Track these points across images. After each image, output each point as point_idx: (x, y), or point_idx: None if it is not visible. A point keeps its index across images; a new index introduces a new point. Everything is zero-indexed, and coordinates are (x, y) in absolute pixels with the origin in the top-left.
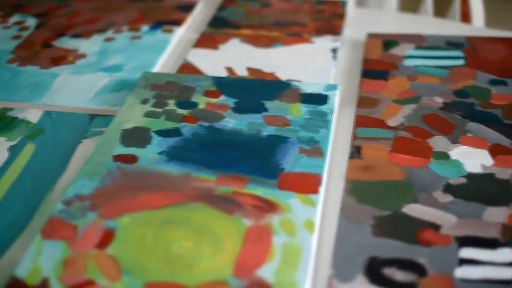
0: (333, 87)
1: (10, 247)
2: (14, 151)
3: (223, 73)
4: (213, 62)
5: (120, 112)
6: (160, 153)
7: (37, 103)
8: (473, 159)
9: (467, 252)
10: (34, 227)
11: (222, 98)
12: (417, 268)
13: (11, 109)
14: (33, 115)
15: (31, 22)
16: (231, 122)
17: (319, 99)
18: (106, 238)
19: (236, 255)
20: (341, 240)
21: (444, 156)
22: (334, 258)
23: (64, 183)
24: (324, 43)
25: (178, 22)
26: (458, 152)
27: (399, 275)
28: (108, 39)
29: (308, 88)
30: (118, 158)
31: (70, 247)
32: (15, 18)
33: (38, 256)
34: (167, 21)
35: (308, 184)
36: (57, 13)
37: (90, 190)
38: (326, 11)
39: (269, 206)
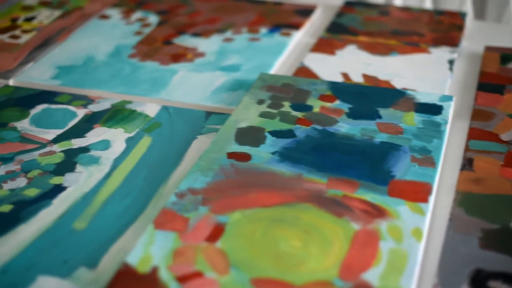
0: (448, 98)
1: (122, 234)
2: (131, 142)
3: (339, 79)
4: (329, 67)
5: (236, 111)
6: (273, 153)
7: (156, 97)
8: None
9: None
10: (147, 217)
11: (337, 102)
12: None
13: (130, 102)
14: (151, 109)
15: (153, 19)
16: (345, 127)
17: (434, 109)
18: (216, 232)
19: (343, 258)
20: (448, 250)
21: None
22: (440, 267)
23: (178, 177)
24: (441, 54)
25: (296, 26)
26: None
27: None
28: (227, 39)
29: (423, 97)
30: (231, 155)
31: (180, 239)
32: (137, 15)
33: (150, 245)
34: (286, 24)
35: (418, 193)
36: (178, 12)
37: (203, 185)
38: (445, 22)
39: (378, 212)
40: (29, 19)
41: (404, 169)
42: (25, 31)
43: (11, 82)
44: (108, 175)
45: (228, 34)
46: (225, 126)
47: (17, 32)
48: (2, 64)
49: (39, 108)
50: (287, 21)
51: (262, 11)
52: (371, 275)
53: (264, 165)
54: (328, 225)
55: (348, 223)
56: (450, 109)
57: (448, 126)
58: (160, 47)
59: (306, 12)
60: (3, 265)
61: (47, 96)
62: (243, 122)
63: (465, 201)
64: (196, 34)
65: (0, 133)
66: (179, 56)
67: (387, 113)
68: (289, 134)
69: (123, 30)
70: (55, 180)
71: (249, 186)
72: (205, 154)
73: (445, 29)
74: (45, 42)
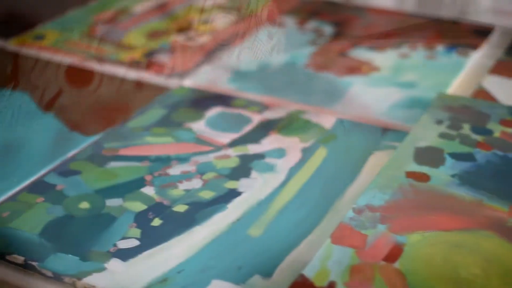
0: None
1: (297, 246)
2: (306, 153)
3: None
4: (509, 91)
5: (414, 130)
6: (453, 175)
7: (331, 109)
8: None
9: None
10: (322, 230)
11: None
12: None
13: (305, 112)
14: (326, 121)
15: (328, 29)
16: None
17: None
18: (395, 252)
19: None
20: None
21: None
22: None
23: (354, 192)
24: None
25: (474, 46)
26: None
27: None
28: (403, 55)
29: None
30: (410, 174)
31: (358, 256)
32: (312, 24)
33: (327, 259)
34: (463, 44)
35: None
36: (353, 23)
37: (381, 202)
38: None
39: None
40: (204, 22)
41: None
42: (200, 34)
43: (186, 83)
44: (283, 184)
45: (404, 49)
46: (403, 144)
47: (192, 34)
48: (177, 64)
49: (215, 110)
50: (465, 40)
51: (440, 29)
52: None
53: (444, 187)
54: (510, 256)
55: None
56: None
57: None
58: (335, 59)
59: (484, 32)
60: (178, 265)
61: (223, 100)
62: (422, 142)
63: None
64: (371, 48)
65: (176, 133)
66: (354, 69)
67: None
68: (469, 157)
69: (298, 39)
70: (230, 184)
71: (428, 208)
72: (383, 171)
73: None
74: (220, 45)
